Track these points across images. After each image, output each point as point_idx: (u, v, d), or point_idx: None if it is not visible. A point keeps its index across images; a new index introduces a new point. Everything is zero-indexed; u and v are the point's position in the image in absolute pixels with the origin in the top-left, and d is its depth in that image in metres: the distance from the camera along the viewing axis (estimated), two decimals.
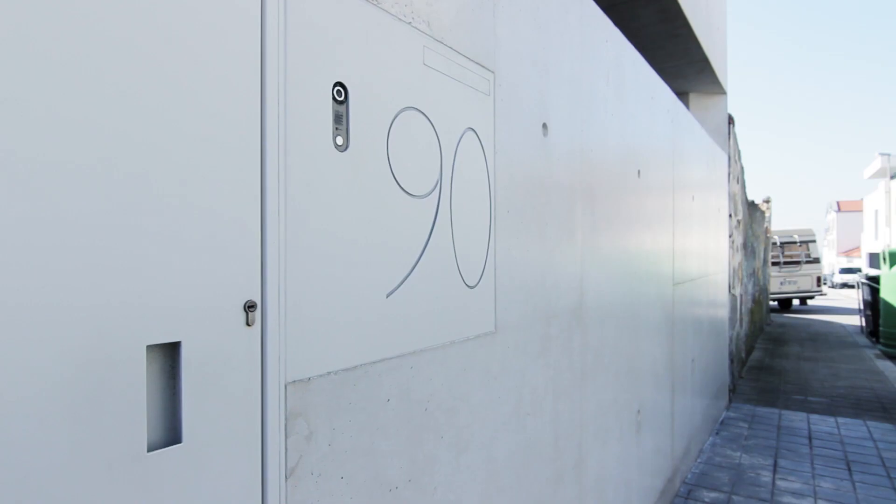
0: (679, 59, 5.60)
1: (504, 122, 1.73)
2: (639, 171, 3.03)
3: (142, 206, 0.81)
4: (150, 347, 0.83)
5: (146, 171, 0.81)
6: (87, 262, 0.74)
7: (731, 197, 6.52)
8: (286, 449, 1.01)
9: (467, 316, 1.54)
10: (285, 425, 1.01)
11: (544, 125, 1.99)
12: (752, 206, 9.58)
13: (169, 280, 0.84)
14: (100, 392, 0.76)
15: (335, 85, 1.12)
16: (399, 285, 1.27)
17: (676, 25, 4.93)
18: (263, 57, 0.98)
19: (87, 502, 0.75)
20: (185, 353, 0.86)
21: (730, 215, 6.37)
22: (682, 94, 6.47)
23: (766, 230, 13.33)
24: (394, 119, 1.26)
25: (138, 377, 0.81)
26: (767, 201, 13.87)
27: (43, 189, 0.70)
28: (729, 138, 6.49)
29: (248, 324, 0.94)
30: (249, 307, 0.94)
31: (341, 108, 1.13)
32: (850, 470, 4.28)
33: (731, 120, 6.59)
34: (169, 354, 0.86)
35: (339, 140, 1.12)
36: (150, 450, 0.82)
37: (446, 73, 1.45)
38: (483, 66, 1.62)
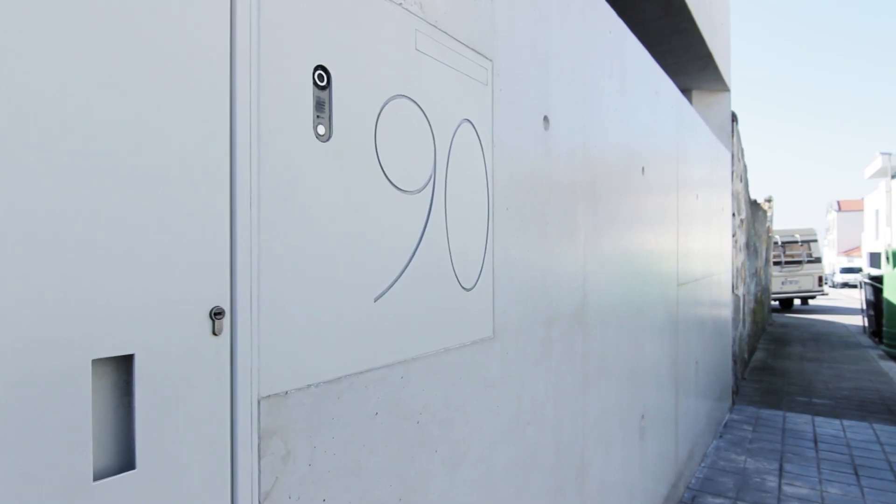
0: (682, 55, 5.50)
1: (503, 113, 1.63)
2: (643, 169, 2.92)
3: (86, 197, 0.70)
4: (97, 361, 0.73)
5: (92, 155, 0.71)
6: (17, 261, 0.64)
7: (735, 196, 6.42)
8: (260, 471, 0.91)
9: (463, 320, 1.44)
10: (258, 445, 0.91)
11: (545, 118, 1.89)
12: (754, 206, 9.48)
13: (120, 284, 0.74)
14: (34, 413, 0.66)
15: (316, 69, 1.01)
16: (388, 288, 1.17)
17: (680, 20, 4.83)
18: (233, 34, 0.87)
19: None
20: (140, 367, 0.76)
21: (733, 214, 6.27)
22: (684, 91, 6.36)
23: (768, 229, 13.23)
24: (382, 108, 1.16)
25: (82, 395, 0.70)
26: (769, 200, 13.77)
27: None
28: (732, 136, 6.39)
29: (214, 333, 0.84)
30: (216, 314, 0.84)
31: (323, 95, 1.03)
32: (857, 475, 4.18)
33: (734, 117, 6.48)
34: (123, 368, 0.76)
35: (321, 129, 1.02)
36: (97, 478, 0.72)
37: (440, 60, 1.35)
38: (480, 54, 1.52)
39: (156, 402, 0.77)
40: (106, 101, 0.72)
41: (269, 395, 0.92)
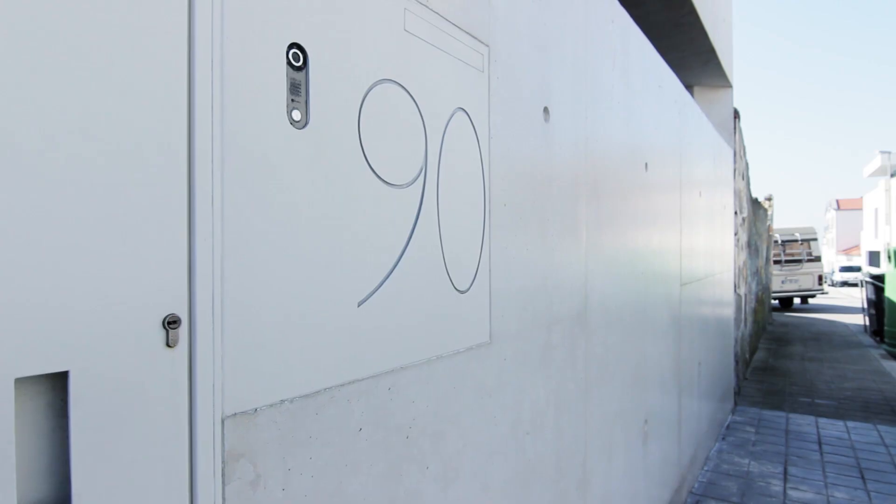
0: (684, 49, 5.39)
1: (500, 103, 1.52)
2: (646, 165, 2.82)
3: (8, 186, 0.60)
4: (22, 380, 0.62)
5: (16, 139, 0.60)
6: None
7: (737, 194, 6.32)
8: (224, 499, 0.80)
9: (457, 325, 1.33)
10: (223, 470, 0.80)
11: (545, 109, 1.78)
12: (755, 204, 9.38)
13: (52, 289, 0.63)
14: None
15: (291, 46, 0.91)
16: (373, 292, 1.06)
17: (682, 13, 4.72)
18: (192, 4, 0.76)
19: None
20: (75, 386, 0.65)
21: (735, 212, 6.16)
22: (687, 87, 6.25)
23: (769, 228, 13.14)
24: (367, 92, 1.05)
25: (3, 420, 0.60)
26: (770, 199, 13.67)
27: None
28: (735, 133, 6.29)
29: (168, 344, 0.73)
30: (170, 323, 0.73)
31: (299, 76, 0.92)
32: (863, 478, 4.09)
33: (736, 114, 6.38)
34: (59, 387, 0.66)
35: (297, 115, 0.91)
36: None
37: (432, 43, 1.24)
38: (476, 39, 1.41)
39: (96, 424, 0.67)
40: (43, 81, 0.61)
41: (234, 414, 0.81)
